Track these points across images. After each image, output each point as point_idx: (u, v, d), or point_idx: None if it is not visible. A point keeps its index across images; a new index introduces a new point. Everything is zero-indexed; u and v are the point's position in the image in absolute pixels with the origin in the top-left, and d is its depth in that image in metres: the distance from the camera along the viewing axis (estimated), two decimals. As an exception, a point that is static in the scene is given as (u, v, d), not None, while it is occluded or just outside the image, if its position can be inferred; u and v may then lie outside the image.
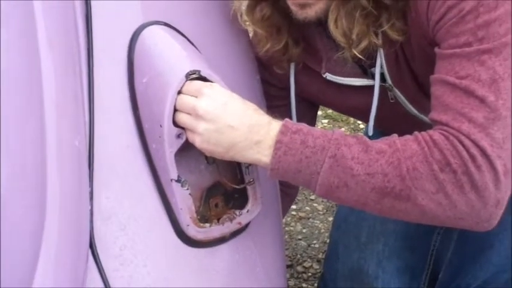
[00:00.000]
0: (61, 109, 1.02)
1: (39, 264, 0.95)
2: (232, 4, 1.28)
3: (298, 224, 2.37)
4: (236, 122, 1.11)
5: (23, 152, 1.00)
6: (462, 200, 1.06)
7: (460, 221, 1.09)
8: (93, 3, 1.11)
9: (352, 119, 2.82)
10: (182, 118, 1.11)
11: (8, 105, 0.98)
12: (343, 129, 2.51)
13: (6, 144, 0.97)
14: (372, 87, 1.28)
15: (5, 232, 0.95)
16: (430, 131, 1.10)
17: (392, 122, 1.27)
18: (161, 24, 1.18)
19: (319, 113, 1.70)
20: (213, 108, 1.10)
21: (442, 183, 1.06)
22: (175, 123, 1.11)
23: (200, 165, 1.18)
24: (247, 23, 1.30)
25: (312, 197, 2.47)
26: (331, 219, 2.34)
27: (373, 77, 1.28)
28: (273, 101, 1.39)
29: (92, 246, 1.05)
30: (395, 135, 1.12)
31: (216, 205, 1.19)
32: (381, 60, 1.25)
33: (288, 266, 2.16)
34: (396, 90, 1.30)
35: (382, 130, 1.28)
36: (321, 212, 2.43)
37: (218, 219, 1.18)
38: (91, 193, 1.06)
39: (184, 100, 1.11)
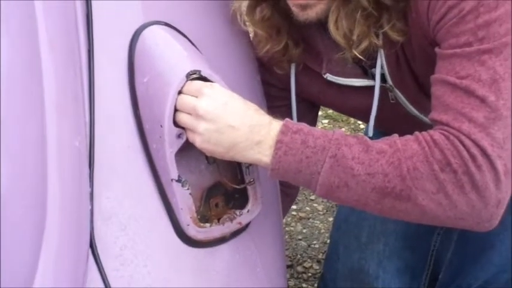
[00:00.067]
0: (61, 109, 1.02)
1: (39, 264, 0.95)
2: (232, 4, 1.28)
3: (298, 224, 2.37)
4: (237, 122, 1.11)
5: (24, 152, 1.00)
6: (463, 200, 1.06)
7: (460, 221, 1.09)
8: (93, 3, 1.11)
9: (352, 119, 2.82)
10: (183, 118, 1.11)
11: (8, 105, 0.98)
12: (343, 129, 2.51)
13: (6, 144, 0.97)
14: (372, 87, 1.28)
15: (5, 232, 0.95)
16: (431, 131, 1.10)
17: (393, 123, 1.27)
18: (162, 24, 1.18)
19: (320, 113, 1.70)
20: (213, 108, 1.10)
21: (442, 183, 1.06)
22: (175, 123, 1.11)
23: (200, 165, 1.18)
24: (247, 23, 1.30)
25: (312, 197, 2.47)
26: (331, 219, 2.34)
27: (373, 77, 1.28)
28: (274, 102, 1.39)
29: (92, 246, 1.05)
30: (395, 135, 1.12)
31: (217, 205, 1.19)
32: (381, 60, 1.25)
33: (288, 266, 2.16)
34: (397, 91, 1.29)
35: (382, 130, 1.28)
36: (321, 212, 2.43)
37: (218, 219, 1.18)
38: (91, 193, 1.06)
39: (185, 100, 1.11)
